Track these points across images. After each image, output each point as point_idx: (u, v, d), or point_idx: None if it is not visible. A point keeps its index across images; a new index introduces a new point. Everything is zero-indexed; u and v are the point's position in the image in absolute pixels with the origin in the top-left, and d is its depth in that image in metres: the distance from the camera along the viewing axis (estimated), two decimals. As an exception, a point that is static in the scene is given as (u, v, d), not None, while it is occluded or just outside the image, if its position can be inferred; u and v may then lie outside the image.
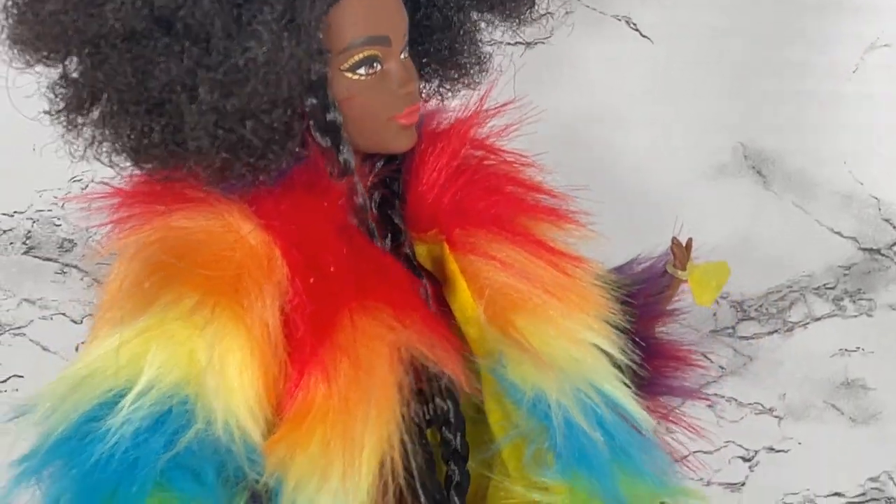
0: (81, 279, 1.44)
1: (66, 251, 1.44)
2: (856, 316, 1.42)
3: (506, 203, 0.91)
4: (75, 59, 0.77)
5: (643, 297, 1.07)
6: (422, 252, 0.91)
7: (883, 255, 1.41)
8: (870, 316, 1.42)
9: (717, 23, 1.37)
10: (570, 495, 0.87)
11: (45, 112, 0.80)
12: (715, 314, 1.43)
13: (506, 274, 0.87)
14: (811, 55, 1.38)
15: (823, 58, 1.38)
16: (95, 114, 0.78)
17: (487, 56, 0.98)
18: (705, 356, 1.41)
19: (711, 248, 1.40)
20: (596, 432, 0.85)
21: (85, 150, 0.81)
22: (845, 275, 1.41)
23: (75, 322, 1.45)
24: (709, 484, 1.46)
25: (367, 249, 0.83)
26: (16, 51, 0.77)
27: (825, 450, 1.45)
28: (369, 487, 0.74)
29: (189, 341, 0.72)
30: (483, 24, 0.96)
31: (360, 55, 0.81)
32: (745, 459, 1.46)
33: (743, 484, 1.46)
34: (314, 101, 0.81)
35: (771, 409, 1.44)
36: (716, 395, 1.44)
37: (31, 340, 1.46)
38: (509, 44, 1.39)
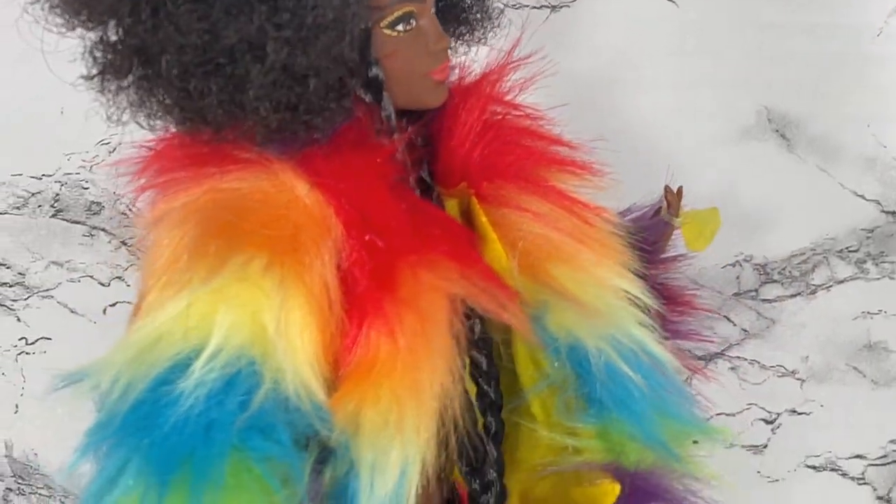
0: (109, 242, 1.46)
1: (94, 214, 1.46)
2: (878, 279, 1.43)
3: (528, 156, 0.94)
4: (127, 20, 0.77)
5: (647, 245, 1.09)
6: (451, 206, 0.93)
7: (906, 217, 1.42)
8: (892, 279, 1.44)
9: (741, -15, 1.39)
10: (604, 438, 0.90)
11: (84, 77, 0.80)
12: (738, 277, 1.44)
13: (538, 225, 0.90)
14: (835, 18, 1.39)
15: (848, 21, 1.39)
16: (140, 77, 0.78)
17: (497, 12, 1.00)
18: (728, 319, 1.43)
19: (735, 212, 1.42)
20: (637, 375, 0.88)
21: (121, 114, 0.81)
22: (868, 237, 1.42)
23: (103, 284, 1.47)
24: (731, 446, 1.47)
25: (419, 204, 0.85)
26: (58, 13, 0.78)
27: (847, 412, 1.47)
28: (434, 439, 0.76)
29: (254, 302, 0.72)
30: None
31: (399, 11, 0.84)
32: (767, 422, 1.47)
33: (765, 446, 1.48)
34: (359, 58, 0.82)
35: (793, 372, 1.46)
36: (738, 357, 1.46)
37: (58, 303, 1.49)
38: (535, 7, 1.41)
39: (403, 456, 0.74)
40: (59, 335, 1.50)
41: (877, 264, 1.43)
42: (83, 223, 1.46)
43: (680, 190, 1.13)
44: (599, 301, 0.90)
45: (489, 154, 0.92)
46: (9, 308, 1.49)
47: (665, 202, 1.12)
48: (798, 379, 1.46)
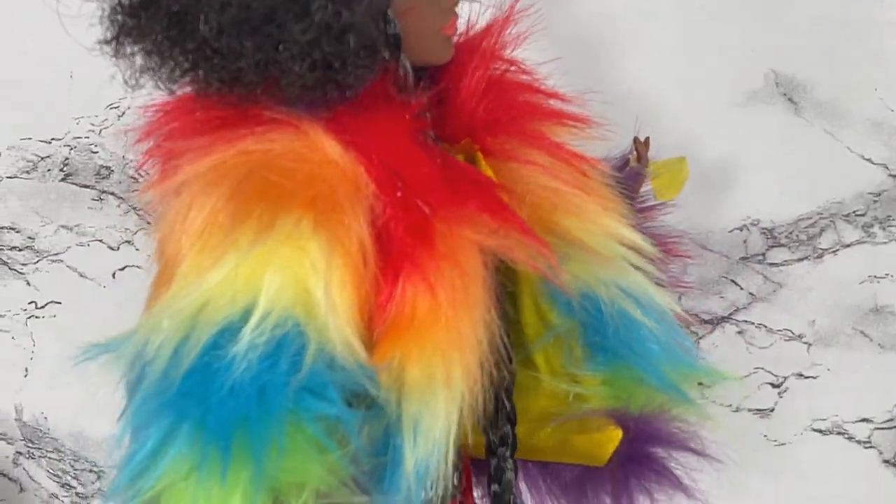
0: (118, 206, 1.48)
1: (103, 178, 1.47)
2: (885, 243, 1.45)
3: (527, 110, 0.95)
4: None
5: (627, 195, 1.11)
6: None
7: (913, 182, 1.44)
8: (899, 242, 1.45)
9: (750, -52, 1.40)
10: (611, 385, 0.92)
11: (102, 42, 0.80)
12: (745, 241, 1.46)
13: (545, 177, 0.92)
14: (843, -18, 1.40)
15: (856, -15, 1.41)
16: (164, 38, 0.78)
17: None
18: (735, 282, 1.45)
19: (743, 176, 1.44)
20: (649, 320, 0.90)
21: (138, 78, 0.81)
22: (875, 201, 1.44)
23: (112, 248, 1.49)
24: (738, 410, 1.50)
25: (448, 159, 0.86)
26: None
27: (853, 376, 1.48)
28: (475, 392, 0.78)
29: (298, 263, 0.73)
30: None
31: None
32: (774, 386, 1.49)
33: (772, 410, 1.49)
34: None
35: (800, 336, 1.47)
36: (745, 321, 1.48)
37: (68, 267, 1.50)
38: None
39: (447, 410, 0.75)
40: (68, 299, 1.51)
41: (884, 228, 1.45)
42: (92, 187, 1.48)
43: (647, 140, 1.16)
44: (609, 250, 0.92)
45: (493, 109, 0.93)
46: (18, 272, 1.51)
47: (635, 153, 1.15)
48: (805, 343, 1.48)
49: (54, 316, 1.52)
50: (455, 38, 0.95)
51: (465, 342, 0.77)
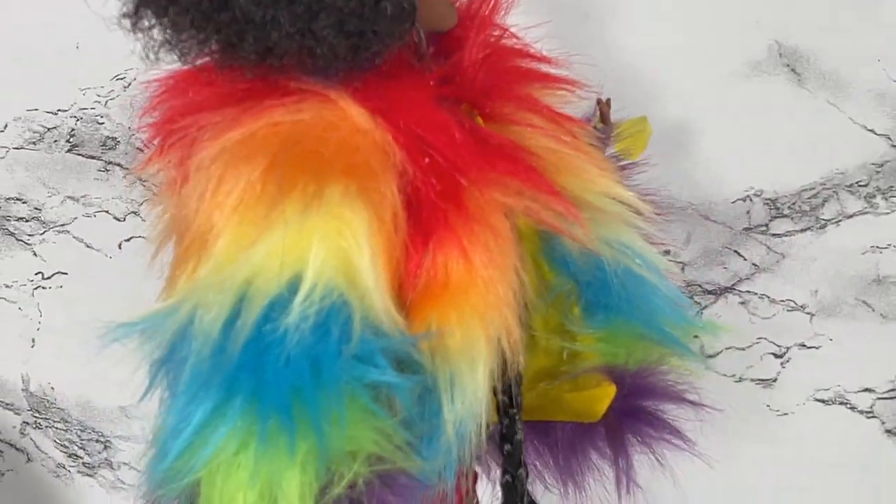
0: (124, 177, 1.49)
1: (110, 149, 1.49)
2: (888, 213, 1.47)
3: (521, 75, 0.96)
4: None
5: None
6: None
7: (916, 153, 1.45)
8: (902, 213, 1.47)
9: (753, -83, 1.42)
10: (610, 342, 0.94)
11: (123, 15, 0.78)
12: (748, 212, 1.47)
13: (546, 139, 0.93)
14: (847, -48, 1.42)
15: (859, -44, 1.42)
16: (186, 8, 0.77)
17: None
18: (738, 253, 1.46)
19: (746, 147, 1.45)
20: (652, 276, 0.92)
21: (156, 52, 0.80)
22: (878, 172, 1.45)
23: (118, 219, 1.51)
24: (741, 380, 1.51)
25: (472, 123, 0.88)
26: None
27: (856, 346, 1.50)
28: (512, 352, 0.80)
29: (338, 232, 0.73)
30: None
31: None
32: (776, 356, 1.50)
33: (774, 380, 1.51)
34: None
35: (803, 306, 1.49)
36: (748, 292, 1.49)
37: (74, 238, 1.52)
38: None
39: (486, 370, 0.77)
40: (74, 270, 1.53)
41: (886, 199, 1.46)
42: (98, 158, 1.49)
43: (608, 101, 1.17)
44: (609, 209, 0.94)
45: (491, 75, 0.95)
46: (25, 243, 1.52)
47: (598, 113, 1.17)
48: (807, 313, 1.49)
49: (61, 287, 1.53)
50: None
51: (504, 303, 0.79)
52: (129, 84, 1.46)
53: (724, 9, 1.43)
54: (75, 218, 1.51)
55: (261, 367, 0.70)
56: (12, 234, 1.52)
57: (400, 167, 0.78)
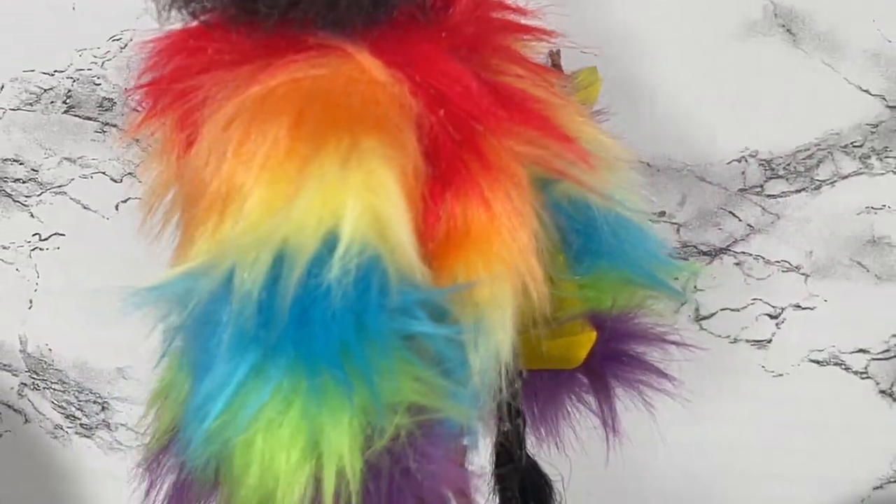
0: (120, 138, 1.50)
1: (106, 110, 1.50)
2: (882, 174, 1.48)
3: (501, 26, 0.97)
4: None
5: None
6: None
7: (911, 113, 1.46)
8: (896, 174, 1.48)
9: None
10: (595, 288, 0.95)
11: None
12: (744, 173, 1.49)
13: (536, 90, 0.94)
14: (842, -89, 1.43)
15: (854, -85, 1.43)
16: None
17: None
18: (734, 214, 1.48)
19: (741, 107, 1.46)
20: (639, 221, 0.93)
21: (168, 9, 0.80)
22: (873, 132, 1.46)
23: (115, 181, 1.52)
24: (735, 341, 1.53)
25: (483, 73, 0.87)
26: None
27: (851, 307, 1.51)
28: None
29: (368, 187, 0.72)
30: None
31: None
32: (771, 317, 1.52)
33: (769, 341, 1.52)
34: None
35: (797, 267, 1.50)
36: (743, 252, 1.51)
37: (71, 199, 1.53)
38: None
39: (512, 318, 0.77)
40: (72, 231, 1.55)
41: (881, 159, 1.47)
42: (95, 119, 1.51)
43: (559, 52, 1.18)
44: (598, 155, 0.94)
45: (479, 27, 0.95)
46: (22, 204, 1.54)
47: (551, 64, 1.18)
48: (802, 274, 1.51)
49: (58, 248, 1.55)
50: None
51: (528, 250, 0.79)
52: (126, 45, 1.48)
53: (719, -31, 1.45)
54: (72, 179, 1.53)
55: (306, 324, 0.69)
56: (10, 196, 1.54)
57: (417, 119, 0.77)
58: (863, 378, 1.53)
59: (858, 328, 1.52)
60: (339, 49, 0.78)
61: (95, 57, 1.49)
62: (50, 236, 1.55)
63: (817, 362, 1.53)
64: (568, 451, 1.06)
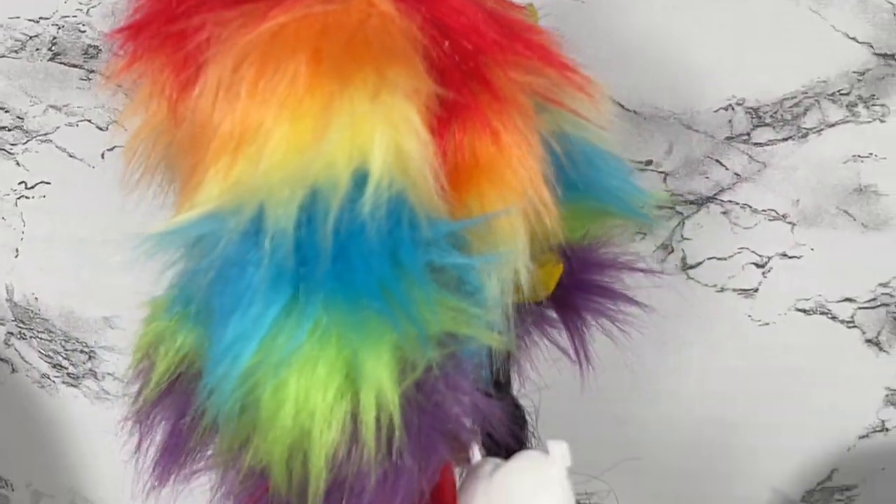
0: (104, 85, 1.50)
1: (92, 57, 1.51)
2: (869, 122, 1.48)
3: None
4: None
5: None
6: None
7: (897, 61, 1.47)
8: (882, 122, 1.49)
9: None
10: (568, 220, 0.95)
11: None
12: (730, 121, 1.49)
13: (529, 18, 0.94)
14: None
15: None
16: None
17: None
18: (720, 162, 1.48)
19: (728, 55, 1.46)
20: (612, 155, 0.93)
21: None
22: (859, 80, 1.47)
23: (101, 129, 1.53)
24: (722, 290, 1.54)
25: (490, 4, 0.86)
26: None
27: (837, 256, 1.52)
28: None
29: (390, 120, 0.72)
30: None
31: None
32: (758, 266, 1.53)
33: (756, 290, 1.53)
34: None
35: (784, 216, 1.51)
36: (730, 201, 1.51)
37: (57, 147, 1.54)
38: None
39: (525, 245, 0.78)
40: (58, 179, 1.56)
41: (868, 107, 1.48)
42: (81, 66, 1.51)
43: None
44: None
45: None
46: (8, 152, 1.55)
47: None
48: (789, 223, 1.51)
49: (44, 196, 1.56)
50: None
51: (538, 178, 0.79)
52: (111, -8, 1.48)
53: (706, -85, 1.45)
54: (58, 127, 1.54)
55: (344, 260, 0.68)
56: (-5, 144, 1.55)
57: (424, 52, 0.77)
58: (849, 327, 1.54)
59: (845, 277, 1.53)
60: None
61: (81, 4, 1.49)
62: (36, 184, 1.56)
63: (804, 311, 1.54)
64: (542, 392, 1.07)
